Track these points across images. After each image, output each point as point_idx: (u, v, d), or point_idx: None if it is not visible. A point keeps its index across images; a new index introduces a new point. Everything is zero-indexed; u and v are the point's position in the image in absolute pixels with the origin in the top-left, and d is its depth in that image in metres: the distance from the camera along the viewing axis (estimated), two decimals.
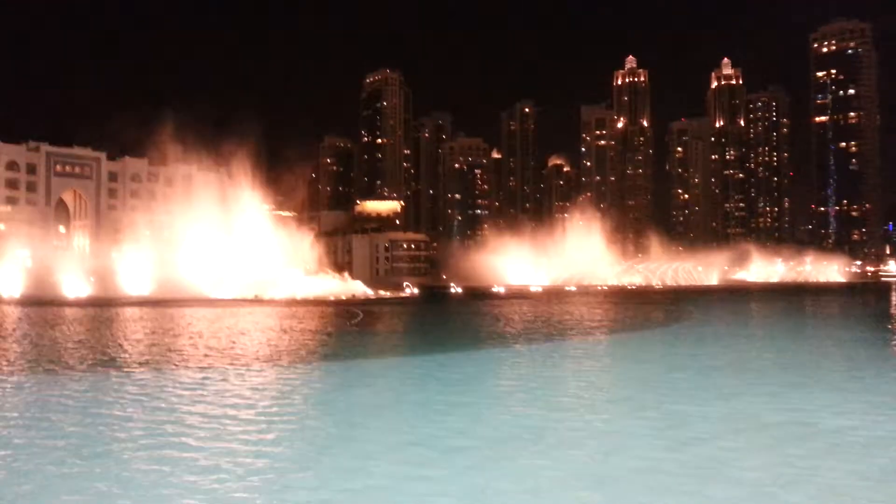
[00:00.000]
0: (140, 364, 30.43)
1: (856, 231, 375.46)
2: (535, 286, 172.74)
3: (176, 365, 30.12)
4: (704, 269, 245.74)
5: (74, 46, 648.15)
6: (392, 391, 25.02)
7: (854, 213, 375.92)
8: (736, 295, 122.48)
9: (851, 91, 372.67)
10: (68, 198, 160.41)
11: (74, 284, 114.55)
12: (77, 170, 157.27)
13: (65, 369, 28.45)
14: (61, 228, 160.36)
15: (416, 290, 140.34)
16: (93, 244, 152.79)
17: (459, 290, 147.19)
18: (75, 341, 40.33)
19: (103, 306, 78.42)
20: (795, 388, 23.13)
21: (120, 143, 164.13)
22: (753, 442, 15.57)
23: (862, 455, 14.33)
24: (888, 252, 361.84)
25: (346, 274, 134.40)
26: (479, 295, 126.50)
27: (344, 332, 49.55)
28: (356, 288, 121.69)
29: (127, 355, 33.70)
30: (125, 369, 28.61)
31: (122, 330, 49.38)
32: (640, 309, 77.85)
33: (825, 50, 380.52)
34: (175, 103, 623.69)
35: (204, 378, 26.36)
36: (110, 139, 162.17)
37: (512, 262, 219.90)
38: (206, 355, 33.90)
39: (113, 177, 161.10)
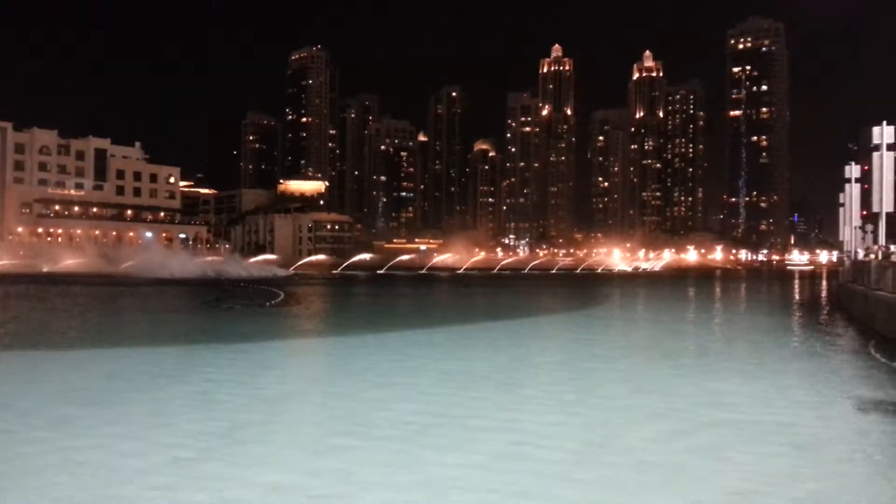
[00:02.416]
0: None
1: (764, 222, 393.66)
2: (462, 268, 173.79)
3: None
4: (623, 255, 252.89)
5: None
6: (294, 378, 24.32)
7: (763, 205, 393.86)
8: (652, 279, 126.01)
9: (764, 87, 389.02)
10: None
11: None
12: None
13: None
14: None
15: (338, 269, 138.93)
16: None
17: (383, 270, 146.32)
18: None
19: None
20: (702, 373, 23.63)
21: (30, 113, 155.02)
22: (667, 428, 15.61)
23: (773, 440, 14.54)
24: (792, 242, 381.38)
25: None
26: (404, 276, 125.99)
27: (260, 313, 48.15)
28: (275, 269, 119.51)
29: None
30: None
31: None
32: (559, 291, 78.90)
33: (741, 47, 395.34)
34: (91, 76, 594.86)
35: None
36: (20, 109, 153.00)
37: (439, 244, 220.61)
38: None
39: (20, 148, 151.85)
